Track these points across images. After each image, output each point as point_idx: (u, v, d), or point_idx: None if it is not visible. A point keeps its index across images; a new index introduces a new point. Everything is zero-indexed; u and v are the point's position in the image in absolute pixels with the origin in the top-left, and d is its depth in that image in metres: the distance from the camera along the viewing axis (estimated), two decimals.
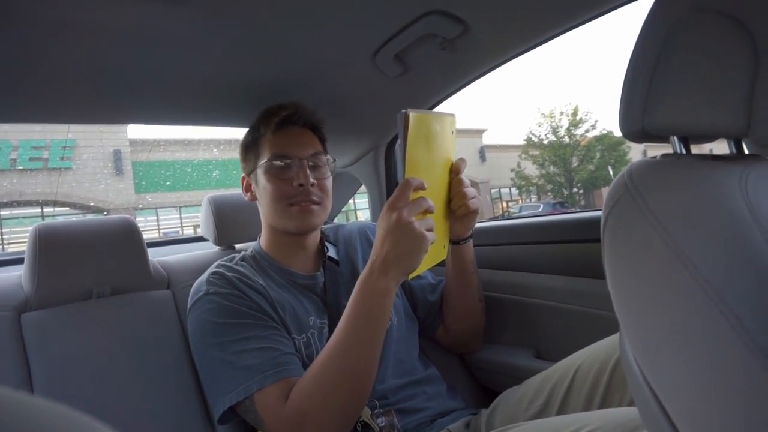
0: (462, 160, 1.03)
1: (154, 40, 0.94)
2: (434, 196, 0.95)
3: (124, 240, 1.23)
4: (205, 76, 1.12)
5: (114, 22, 0.86)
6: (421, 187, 0.85)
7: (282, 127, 1.13)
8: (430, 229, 0.86)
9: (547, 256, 1.30)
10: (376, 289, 0.85)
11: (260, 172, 1.11)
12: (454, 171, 1.02)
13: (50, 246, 1.14)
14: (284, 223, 1.10)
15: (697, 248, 0.41)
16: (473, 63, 1.19)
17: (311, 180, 1.09)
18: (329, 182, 1.14)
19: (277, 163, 1.09)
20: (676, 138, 0.52)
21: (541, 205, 18.64)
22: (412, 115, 0.83)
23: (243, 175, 1.18)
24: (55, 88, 1.05)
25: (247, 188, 1.18)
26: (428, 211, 0.86)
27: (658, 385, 0.44)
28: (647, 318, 0.44)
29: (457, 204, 1.02)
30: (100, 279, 1.19)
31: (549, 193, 22.86)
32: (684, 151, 0.52)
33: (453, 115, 0.99)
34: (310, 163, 1.11)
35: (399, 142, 0.83)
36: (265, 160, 1.10)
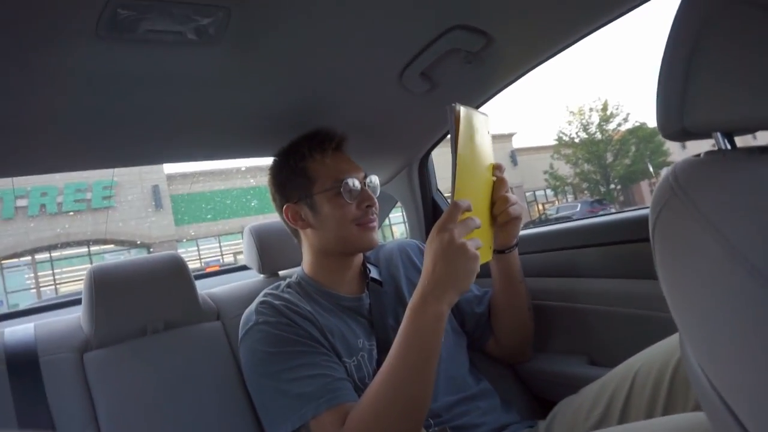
0: (500, 164, 1.04)
1: (184, 80, 0.97)
2: (479, 198, 0.96)
3: (173, 275, 1.27)
4: (233, 109, 1.15)
5: (145, 68, 0.90)
6: (469, 209, 0.87)
7: (335, 152, 1.16)
8: (478, 248, 0.87)
9: (594, 259, 1.28)
10: (429, 315, 0.85)
11: (320, 199, 1.12)
12: (498, 169, 1.03)
13: (105, 286, 1.18)
14: (351, 244, 1.12)
15: (753, 246, 0.40)
16: (499, 74, 1.19)
17: (375, 201, 1.13)
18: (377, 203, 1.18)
19: (349, 186, 1.10)
20: (719, 134, 0.51)
21: (579, 205, 18.29)
22: (462, 109, 0.85)
23: (286, 205, 1.16)
24: (88, 134, 1.09)
25: (295, 217, 1.15)
26: (476, 228, 0.87)
27: (725, 389, 0.42)
28: (707, 322, 0.43)
29: (499, 209, 1.03)
30: (153, 315, 1.23)
31: (585, 192, 22.41)
32: (729, 147, 0.51)
33: (487, 115, 1.00)
34: (366, 185, 1.14)
35: (450, 134, 0.85)
36: (329, 186, 1.11)
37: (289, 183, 1.16)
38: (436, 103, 1.28)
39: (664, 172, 0.52)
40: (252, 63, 0.97)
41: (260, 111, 1.19)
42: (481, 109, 1.16)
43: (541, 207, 23.38)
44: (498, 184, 1.03)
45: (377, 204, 1.15)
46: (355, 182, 1.11)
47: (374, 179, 1.18)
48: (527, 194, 23.04)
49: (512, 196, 1.04)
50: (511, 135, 23.48)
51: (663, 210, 0.48)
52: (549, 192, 23.40)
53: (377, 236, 1.15)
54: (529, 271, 1.36)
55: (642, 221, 1.17)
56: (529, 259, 1.42)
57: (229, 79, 1.01)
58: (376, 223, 1.14)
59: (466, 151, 0.86)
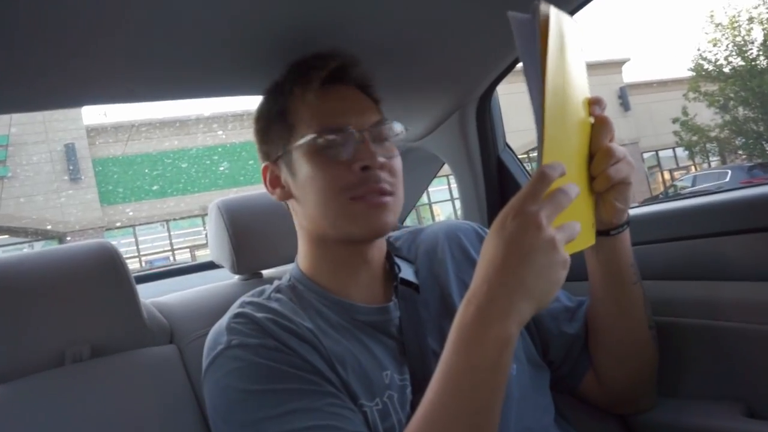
0: (600, 98, 1.04)
1: None
2: (572, 153, 0.96)
3: (103, 277, 1.29)
4: (205, 21, 1.15)
5: None
6: (562, 175, 0.86)
7: (329, 85, 1.16)
8: (573, 239, 0.87)
9: (750, 253, 1.27)
10: (489, 339, 0.85)
11: (299, 155, 1.13)
12: (597, 105, 1.03)
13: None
14: (344, 227, 1.12)
15: None
16: None
17: (380, 160, 1.11)
18: (399, 163, 1.17)
19: (331, 137, 1.11)
20: None
21: (729, 172, 17.93)
22: (553, 11, 0.84)
23: (265, 164, 1.21)
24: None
25: (274, 182, 1.21)
26: (571, 201, 0.87)
27: None
28: None
29: (597, 169, 1.02)
30: (73, 337, 1.25)
31: (740, 152, 22.01)
32: None
33: (580, 25, 0.99)
34: (373, 136, 1.14)
35: (526, 62, 0.85)
36: (309, 136, 1.12)
37: (267, 132, 1.20)
38: (504, 7, 1.27)
39: None
40: None
41: (241, 27, 1.19)
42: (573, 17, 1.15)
43: (668, 175, 23.07)
44: (597, 129, 1.02)
45: (393, 166, 1.14)
46: (349, 132, 1.11)
47: (395, 127, 1.18)
48: (646, 155, 22.77)
49: (617, 148, 1.03)
50: (621, 63, 23.15)
51: None
52: (681, 152, 23.05)
53: (392, 216, 1.13)
54: (647, 271, 1.35)
55: None
56: (648, 252, 1.42)
57: None
58: (389, 197, 1.12)
59: (557, 80, 0.86)
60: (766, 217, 1.26)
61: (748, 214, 1.29)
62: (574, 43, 0.95)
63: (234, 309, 1.11)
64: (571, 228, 0.87)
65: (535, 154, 0.88)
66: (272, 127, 1.19)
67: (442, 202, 18.51)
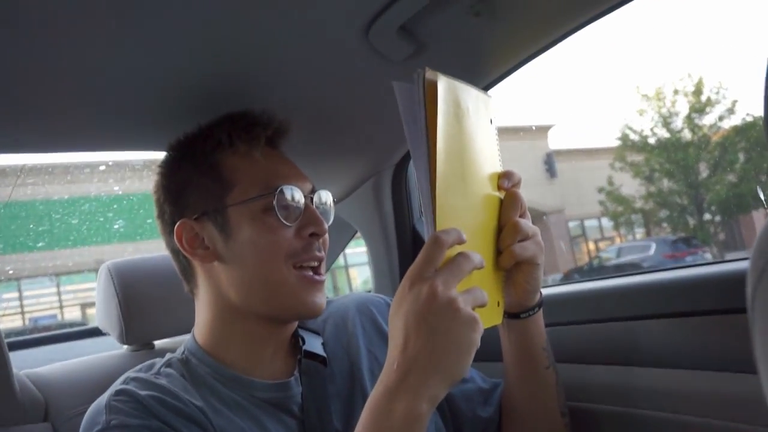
0: (511, 171, 1.06)
1: (39, 24, 0.96)
2: (478, 225, 0.98)
3: None
4: (117, 78, 1.15)
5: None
6: (459, 242, 0.87)
7: (271, 147, 1.18)
8: (480, 305, 0.88)
9: (668, 338, 1.30)
10: (397, 416, 0.85)
11: (238, 215, 1.12)
12: (506, 179, 1.05)
13: None
14: (285, 301, 1.12)
15: None
16: (523, 35, 1.23)
17: (325, 228, 1.14)
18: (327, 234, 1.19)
19: (284, 199, 1.11)
20: None
21: (653, 245, 18.51)
22: (442, 80, 0.86)
23: (181, 221, 1.16)
24: None
25: (193, 242, 1.16)
26: (475, 269, 0.88)
27: None
28: None
29: (503, 244, 1.04)
30: None
31: (664, 224, 22.77)
32: None
33: (489, 96, 1.02)
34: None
35: (411, 131, 0.86)
36: (257, 195, 1.12)
37: (190, 186, 1.17)
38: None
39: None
40: (150, 19, 0.99)
41: (157, 84, 1.20)
42: (488, 92, 1.18)
43: (593, 246, 23.65)
44: (506, 203, 1.05)
45: (327, 237, 1.16)
46: (297, 194, 1.12)
47: (325, 196, 1.21)
48: (571, 224, 23.33)
49: (526, 225, 1.05)
50: (546, 128, 23.86)
51: (767, 272, 0.50)
52: (606, 222, 23.72)
53: (324, 294, 1.15)
54: (562, 354, 1.37)
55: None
56: (563, 333, 1.44)
57: (115, 34, 1.02)
58: (323, 273, 1.15)
59: (450, 146, 0.88)
60: (680, 302, 1.29)
61: (665, 298, 1.32)
62: (479, 114, 0.98)
63: (116, 385, 1.08)
64: (476, 292, 0.87)
65: None
66: (195, 181, 1.17)
67: (360, 265, 18.48)
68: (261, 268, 1.11)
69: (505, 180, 1.05)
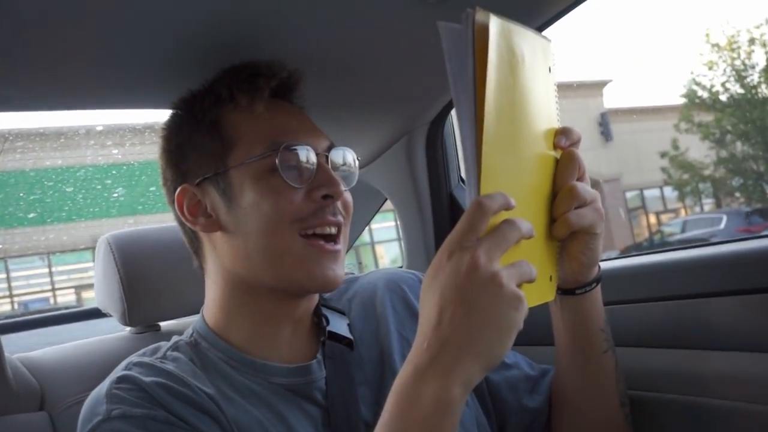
0: (570, 128, 1.05)
1: None
2: (528, 189, 0.97)
3: None
4: (109, 25, 1.15)
5: None
6: (506, 208, 0.86)
7: (276, 100, 1.17)
8: (528, 281, 0.87)
9: (742, 318, 1.29)
10: (427, 403, 0.85)
11: (241, 177, 1.13)
12: (564, 136, 1.03)
13: None
14: (290, 272, 1.12)
15: None
16: None
17: (342, 188, 1.13)
18: (350, 198, 1.19)
19: (289, 157, 1.11)
20: None
21: (724, 218, 18.35)
22: (494, 21, 0.84)
23: (182, 186, 1.18)
24: None
25: (194, 210, 1.18)
26: (523, 238, 0.87)
27: None
28: None
29: (558, 211, 1.03)
30: None
31: (737, 195, 22.54)
32: None
33: (549, 40, 1.01)
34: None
35: (457, 81, 0.85)
36: (260, 153, 1.12)
37: (191, 148, 1.18)
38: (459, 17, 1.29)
39: None
40: None
41: (161, 32, 1.19)
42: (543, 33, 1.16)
43: (654, 219, 23.48)
44: (563, 165, 1.04)
45: (347, 200, 1.16)
46: (308, 153, 1.12)
47: (346, 155, 1.20)
48: (629, 194, 23.15)
49: (584, 189, 1.03)
50: (602, 84, 23.63)
51: None
52: (669, 192, 23.53)
53: (342, 268, 1.15)
54: (622, 337, 1.37)
55: None
56: (624, 314, 1.43)
57: None
58: (341, 243, 1.14)
59: (501, 100, 0.87)
60: (756, 277, 1.28)
61: (741, 273, 1.31)
62: (536, 62, 0.96)
63: (118, 371, 1.08)
64: (523, 266, 0.86)
65: None
66: (196, 141, 1.17)
67: (388, 242, 18.46)
68: (264, 236, 1.11)
69: (563, 138, 1.03)
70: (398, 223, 1.80)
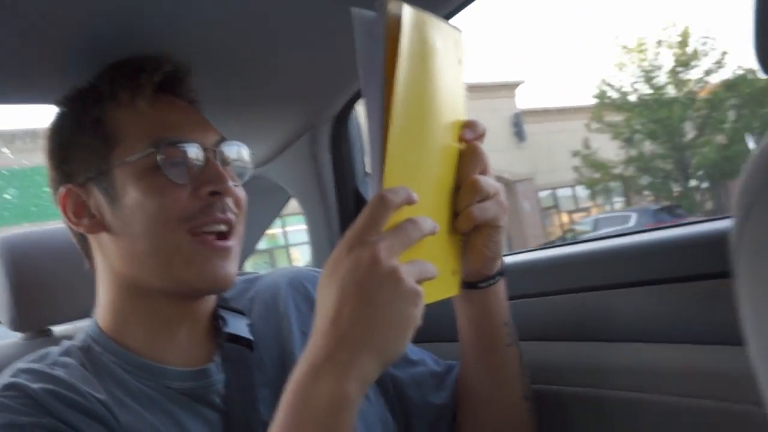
0: (475, 121, 1.05)
1: None
2: (432, 183, 0.96)
3: None
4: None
5: None
6: (409, 202, 0.86)
7: (161, 94, 1.15)
8: (427, 279, 0.87)
9: (643, 308, 1.31)
10: (320, 397, 0.85)
11: (124, 175, 1.11)
12: (469, 129, 1.03)
13: None
14: (178, 273, 1.10)
15: None
16: None
17: (231, 184, 1.11)
18: (244, 194, 1.17)
19: (173, 153, 1.09)
20: None
21: (634, 215, 18.83)
22: (407, 9, 0.83)
23: (65, 187, 1.15)
24: None
25: (79, 211, 1.15)
26: (425, 236, 0.87)
27: None
28: None
29: (461, 205, 1.03)
30: None
31: (646, 192, 23.13)
32: None
33: (459, 31, 1.00)
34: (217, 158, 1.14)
35: (366, 70, 0.84)
36: (142, 150, 1.09)
37: (74, 147, 1.16)
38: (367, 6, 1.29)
39: (756, 147, 0.54)
40: None
41: (44, 24, 1.15)
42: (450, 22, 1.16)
43: (566, 217, 23.95)
44: (466, 158, 1.04)
45: (239, 196, 1.15)
46: (192, 148, 1.10)
47: (237, 149, 1.19)
48: (541, 194, 23.58)
49: (487, 182, 1.04)
50: (514, 85, 24.01)
51: (754, 207, 0.50)
52: (581, 191, 24.02)
53: (235, 266, 1.14)
54: (526, 330, 1.38)
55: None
56: (527, 307, 1.44)
57: None
58: (233, 239, 1.13)
59: (411, 93, 0.86)
60: (656, 268, 1.30)
61: (636, 265, 1.33)
62: (448, 53, 0.96)
63: (4, 378, 1.05)
64: (422, 264, 0.87)
65: None
66: (79, 140, 1.15)
67: (303, 244, 18.38)
68: (151, 237, 1.09)
69: (468, 131, 1.03)
70: (304, 218, 1.79)
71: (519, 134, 22.80)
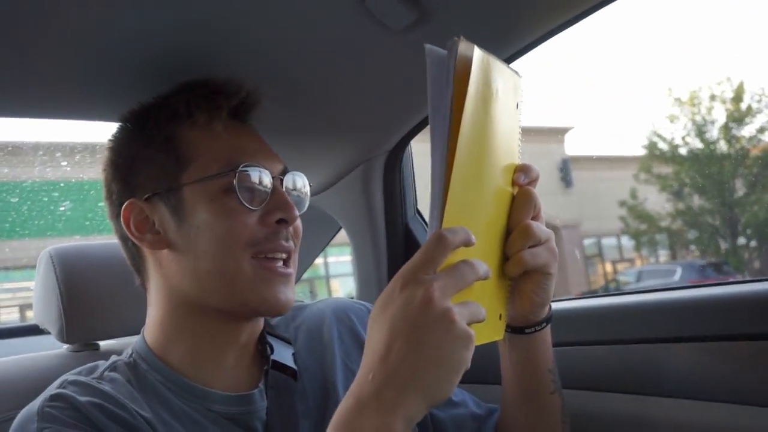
0: (529, 166, 1.04)
1: None
2: (485, 225, 0.96)
3: None
4: (57, 33, 1.14)
5: None
6: (466, 244, 0.86)
7: (233, 120, 1.17)
8: (477, 321, 0.86)
9: (692, 364, 1.29)
10: None
11: (194, 195, 1.12)
12: (523, 173, 1.02)
13: None
14: (241, 294, 1.11)
15: None
16: (548, 4, 1.23)
17: (296, 214, 1.12)
18: (301, 224, 1.18)
19: (247, 177, 1.10)
20: None
21: (679, 270, 18.58)
22: (477, 52, 0.84)
23: (129, 201, 1.16)
24: None
25: (141, 226, 1.16)
26: (479, 280, 0.87)
27: None
28: None
29: (512, 249, 1.02)
30: None
31: (692, 247, 22.83)
32: None
33: (519, 76, 1.00)
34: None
35: (435, 107, 0.84)
36: (217, 172, 1.11)
37: (141, 162, 1.17)
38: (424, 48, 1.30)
39: None
40: None
41: (112, 45, 1.19)
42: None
43: (610, 267, 23.69)
44: (519, 202, 1.03)
45: (298, 225, 1.15)
46: (263, 175, 1.11)
47: (299, 180, 1.20)
48: (586, 242, 23.36)
49: (539, 228, 1.03)
50: (563, 131, 23.91)
51: None
52: (626, 241, 23.78)
53: (293, 289, 1.14)
54: (570, 379, 1.36)
55: None
56: (572, 355, 1.44)
57: None
58: (292, 267, 1.14)
59: (473, 134, 0.87)
60: (707, 325, 1.28)
61: (686, 320, 1.32)
62: (507, 97, 0.96)
63: (52, 389, 1.05)
64: (473, 306, 0.85)
65: None
66: (147, 156, 1.16)
67: (343, 276, 18.43)
68: (216, 258, 1.10)
69: (522, 175, 1.02)
70: (352, 251, 1.79)
71: (566, 180, 22.63)
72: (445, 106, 0.83)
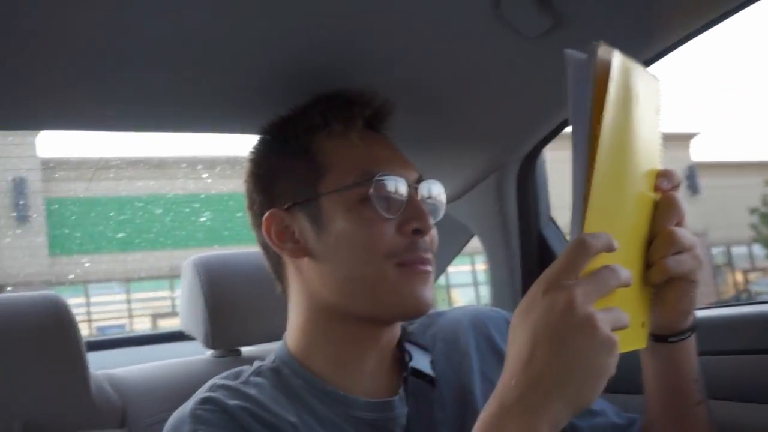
0: (671, 171, 1.03)
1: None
2: (627, 230, 0.95)
3: (47, 338, 1.28)
4: (198, 50, 1.18)
5: None
6: (608, 250, 0.85)
7: (368, 130, 1.18)
8: (620, 327, 0.85)
9: None
10: None
11: (332, 204, 1.14)
12: (665, 179, 1.01)
13: None
14: (383, 300, 1.12)
15: None
16: (688, 5, 1.21)
17: (431, 224, 1.12)
18: (436, 233, 1.18)
19: (383, 187, 1.11)
20: None
21: None
22: (617, 56, 0.84)
23: (270, 211, 1.19)
24: None
25: (282, 235, 1.18)
26: (621, 286, 0.85)
27: None
28: None
29: (656, 255, 1.00)
30: (1, 409, 1.24)
31: None
32: None
33: (658, 80, 0.99)
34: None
35: (576, 113, 0.84)
36: (354, 181, 1.12)
37: (281, 173, 1.19)
38: (561, 55, 1.28)
39: None
40: None
41: (251, 59, 1.22)
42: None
43: (741, 276, 22.99)
44: (662, 208, 1.02)
45: (434, 234, 1.16)
46: (399, 184, 1.12)
47: (435, 188, 1.20)
48: (715, 250, 22.71)
49: (684, 234, 1.01)
50: (689, 136, 23.32)
51: None
52: (757, 249, 23.05)
53: (433, 290, 1.15)
54: (717, 389, 1.33)
55: None
56: (719, 365, 1.39)
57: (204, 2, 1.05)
58: (431, 267, 1.14)
59: (614, 138, 0.86)
60: None
61: None
62: (648, 102, 0.95)
63: (202, 392, 1.09)
64: (616, 312, 0.84)
65: None
66: (286, 167, 1.19)
67: (463, 286, 18.36)
68: (356, 266, 1.11)
69: (664, 180, 1.01)
70: (486, 258, 1.79)
71: (693, 187, 22.07)
72: (586, 110, 0.83)
